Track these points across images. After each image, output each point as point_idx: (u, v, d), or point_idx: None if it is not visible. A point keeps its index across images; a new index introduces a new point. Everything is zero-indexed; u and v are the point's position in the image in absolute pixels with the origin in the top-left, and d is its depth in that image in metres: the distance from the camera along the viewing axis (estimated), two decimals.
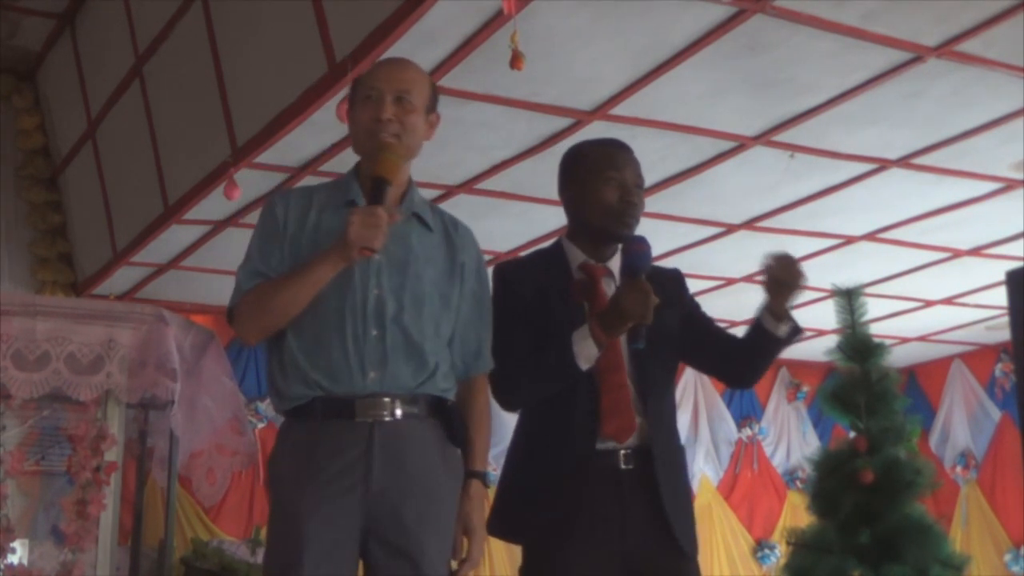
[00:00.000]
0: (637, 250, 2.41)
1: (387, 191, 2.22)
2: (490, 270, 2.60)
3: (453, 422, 2.30)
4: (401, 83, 2.33)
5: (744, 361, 2.59)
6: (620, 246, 2.57)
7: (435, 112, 2.41)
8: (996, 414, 8.73)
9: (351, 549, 2.18)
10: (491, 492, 2.50)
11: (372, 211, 2.16)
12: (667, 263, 2.76)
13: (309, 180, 5.08)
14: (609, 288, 2.52)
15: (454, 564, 2.31)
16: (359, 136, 2.34)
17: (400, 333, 2.24)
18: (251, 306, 2.26)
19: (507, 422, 2.65)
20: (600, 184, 2.53)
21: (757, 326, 2.51)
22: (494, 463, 8.14)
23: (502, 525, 2.53)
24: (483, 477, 2.37)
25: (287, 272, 2.26)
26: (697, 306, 2.69)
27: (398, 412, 2.21)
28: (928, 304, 7.63)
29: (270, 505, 2.31)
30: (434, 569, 2.20)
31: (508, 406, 2.56)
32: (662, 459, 2.45)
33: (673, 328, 2.54)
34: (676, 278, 2.67)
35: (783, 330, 2.49)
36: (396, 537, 2.18)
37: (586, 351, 2.38)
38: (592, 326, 2.38)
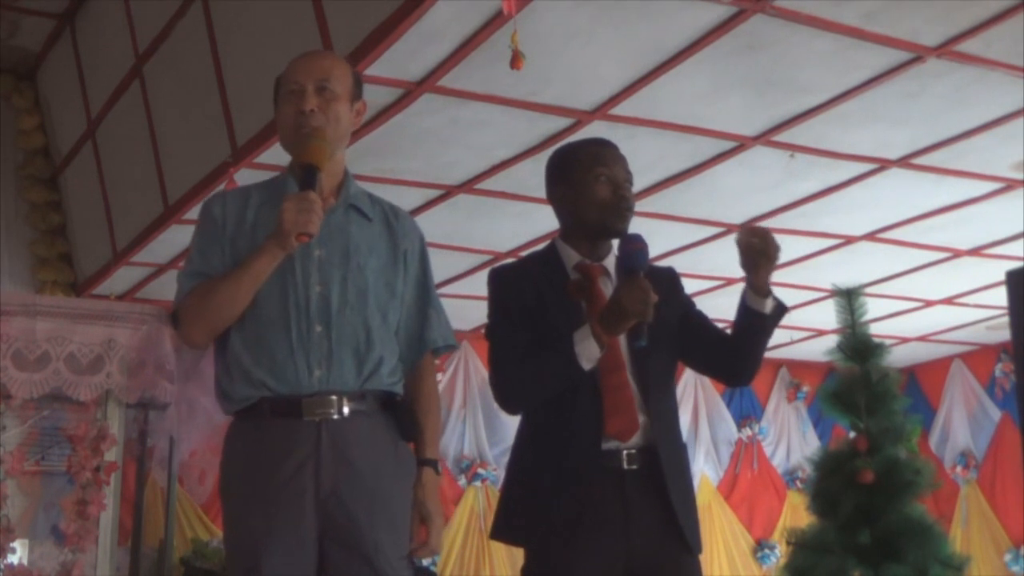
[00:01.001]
0: (635, 248, 2.42)
1: (318, 177, 2.23)
2: (485, 274, 2.60)
3: (403, 417, 2.30)
4: (320, 72, 2.33)
5: (737, 351, 2.58)
6: (615, 245, 2.57)
7: (361, 100, 2.41)
8: (996, 414, 8.73)
9: (309, 552, 2.17)
10: (492, 491, 2.51)
11: (304, 196, 2.17)
12: (667, 263, 2.76)
13: None
14: (606, 287, 2.52)
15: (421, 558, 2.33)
16: (285, 131, 2.35)
17: (345, 328, 2.24)
18: (194, 306, 2.25)
19: (508, 423, 2.65)
20: (592, 181, 2.54)
21: (742, 308, 2.53)
22: (495, 464, 8.13)
23: (507, 528, 2.53)
24: (435, 464, 2.37)
25: (228, 270, 2.25)
26: (692, 304, 2.69)
27: (345, 410, 2.21)
28: (928, 304, 7.63)
29: (223, 510, 2.29)
30: (389, 566, 2.20)
31: (511, 409, 2.56)
32: (668, 456, 2.46)
33: (672, 326, 2.55)
34: (671, 276, 2.68)
35: (768, 306, 2.50)
36: (349, 536, 2.18)
37: (588, 351, 2.38)
38: (593, 325, 2.38)
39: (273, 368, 2.20)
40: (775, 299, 2.53)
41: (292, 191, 2.30)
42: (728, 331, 2.62)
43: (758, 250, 2.47)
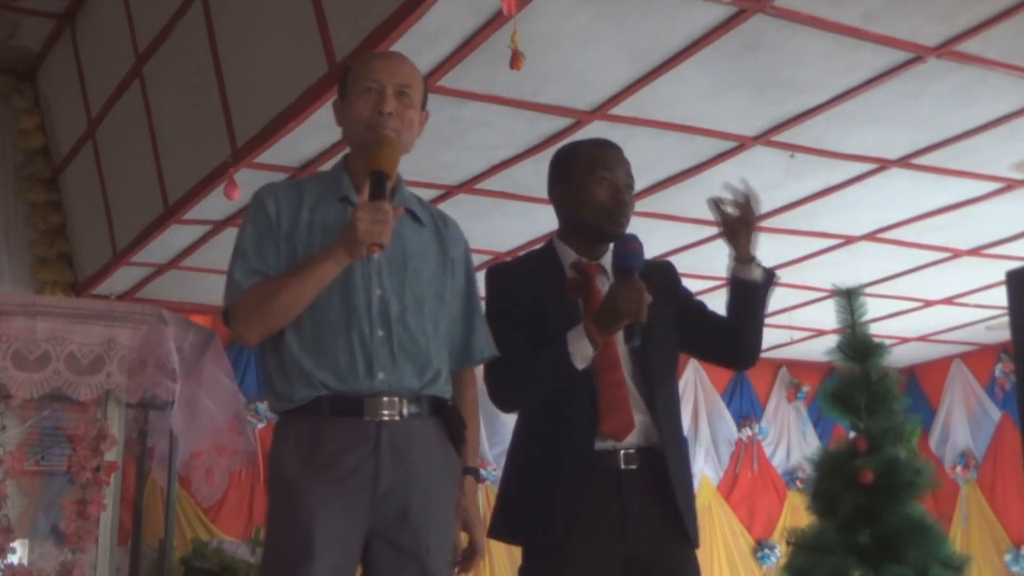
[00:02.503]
0: (629, 249, 2.42)
1: (387, 185, 2.20)
2: (483, 273, 2.60)
3: (454, 422, 2.30)
4: (402, 78, 2.32)
5: (737, 329, 2.57)
6: (612, 244, 2.57)
7: (426, 110, 2.41)
8: (996, 414, 8.73)
9: (356, 549, 2.17)
10: (492, 491, 2.52)
11: (378, 206, 2.13)
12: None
13: None
14: (603, 286, 2.52)
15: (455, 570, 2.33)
16: (356, 128, 2.31)
17: (405, 333, 2.23)
18: (253, 305, 2.21)
19: (508, 423, 2.65)
20: (592, 183, 2.54)
21: (734, 283, 2.53)
22: (495, 463, 8.12)
23: (503, 527, 2.53)
24: (476, 472, 2.39)
25: (287, 270, 2.22)
26: (691, 295, 2.70)
27: (405, 411, 2.20)
28: (928, 304, 7.63)
29: (271, 502, 2.26)
30: (439, 569, 2.21)
31: (505, 407, 2.56)
32: (672, 453, 2.46)
33: (670, 322, 2.55)
34: (668, 272, 2.68)
35: (757, 272, 2.51)
36: (401, 537, 2.18)
37: (582, 350, 2.38)
38: (587, 325, 2.38)
39: (337, 371, 2.19)
40: (761, 266, 2.53)
41: (347, 189, 2.29)
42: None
43: (740, 219, 2.48)
